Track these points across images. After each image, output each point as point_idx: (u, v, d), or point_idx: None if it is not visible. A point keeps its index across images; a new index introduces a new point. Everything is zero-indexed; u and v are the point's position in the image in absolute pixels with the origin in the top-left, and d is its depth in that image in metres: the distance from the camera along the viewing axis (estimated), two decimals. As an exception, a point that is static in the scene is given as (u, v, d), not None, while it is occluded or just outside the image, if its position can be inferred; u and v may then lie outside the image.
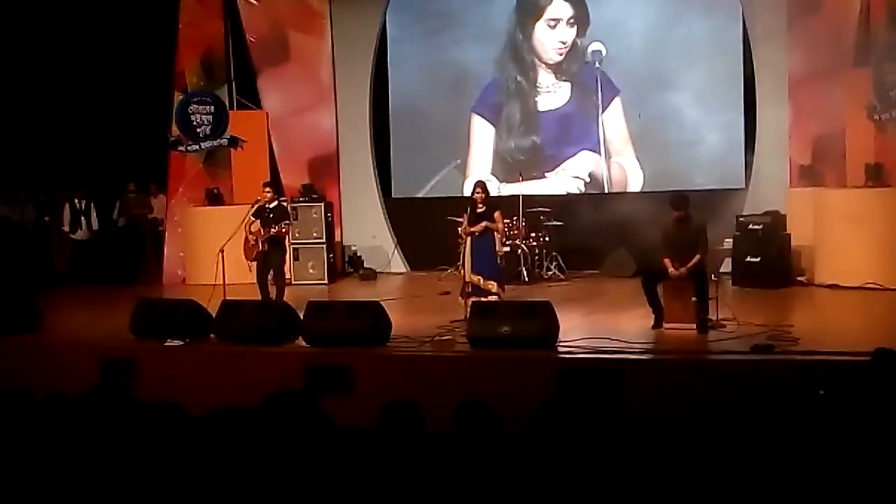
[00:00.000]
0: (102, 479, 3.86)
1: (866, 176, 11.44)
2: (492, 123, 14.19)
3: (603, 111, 13.59)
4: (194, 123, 14.17)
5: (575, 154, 13.81)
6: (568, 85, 13.85)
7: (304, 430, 3.71)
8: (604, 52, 13.57)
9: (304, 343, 8.99)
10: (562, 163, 13.88)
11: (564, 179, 13.90)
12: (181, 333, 9.20)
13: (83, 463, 4.00)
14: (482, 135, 14.23)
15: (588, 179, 13.80)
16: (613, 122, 13.67)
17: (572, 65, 13.81)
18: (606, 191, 13.72)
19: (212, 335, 9.33)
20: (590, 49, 13.65)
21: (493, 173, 14.10)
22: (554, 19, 13.87)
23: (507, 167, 14.07)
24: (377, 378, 8.14)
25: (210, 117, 14.19)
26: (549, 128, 13.92)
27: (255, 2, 14.35)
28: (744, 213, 12.39)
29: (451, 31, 14.29)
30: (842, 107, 12.00)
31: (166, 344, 9.14)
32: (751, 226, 11.98)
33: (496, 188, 13.69)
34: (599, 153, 13.68)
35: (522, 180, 13.28)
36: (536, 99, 13.99)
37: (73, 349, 9.34)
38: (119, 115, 14.44)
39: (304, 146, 14.72)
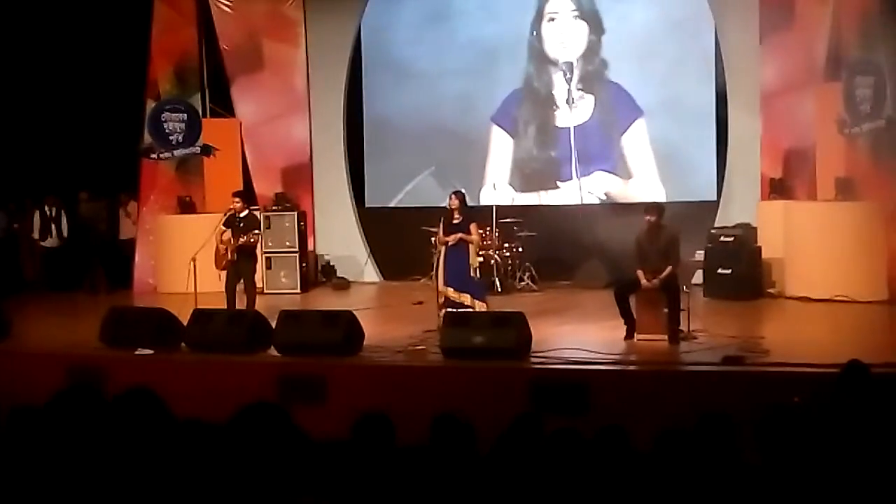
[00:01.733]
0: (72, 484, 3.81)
1: (836, 189, 11.54)
2: (510, 134, 14.02)
3: (623, 132, 13.45)
4: (167, 131, 14.08)
5: (591, 172, 13.58)
6: (591, 98, 13.64)
7: (277, 443, 3.68)
8: (574, 65, 13.59)
9: (275, 352, 8.94)
10: (576, 177, 13.59)
11: (579, 193, 13.63)
12: (151, 342, 9.11)
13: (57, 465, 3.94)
14: (500, 145, 14.06)
15: (604, 197, 13.60)
16: (634, 143, 13.47)
17: (591, 73, 13.61)
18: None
19: (182, 344, 9.25)
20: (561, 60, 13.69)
21: (510, 184, 13.96)
22: (553, 13, 13.77)
23: (525, 178, 13.97)
24: (349, 388, 8.10)
25: (183, 125, 14.10)
26: (566, 142, 13.59)
27: (229, 10, 14.27)
28: (715, 226, 12.48)
29: (428, 41, 14.27)
30: (813, 121, 12.11)
31: (136, 353, 9.05)
32: (722, 238, 12.07)
33: (511, 198, 13.69)
34: (616, 173, 13.56)
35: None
36: (556, 112, 13.76)
37: (41, 357, 9.22)
38: (91, 122, 14.31)
39: (277, 155, 14.65)
